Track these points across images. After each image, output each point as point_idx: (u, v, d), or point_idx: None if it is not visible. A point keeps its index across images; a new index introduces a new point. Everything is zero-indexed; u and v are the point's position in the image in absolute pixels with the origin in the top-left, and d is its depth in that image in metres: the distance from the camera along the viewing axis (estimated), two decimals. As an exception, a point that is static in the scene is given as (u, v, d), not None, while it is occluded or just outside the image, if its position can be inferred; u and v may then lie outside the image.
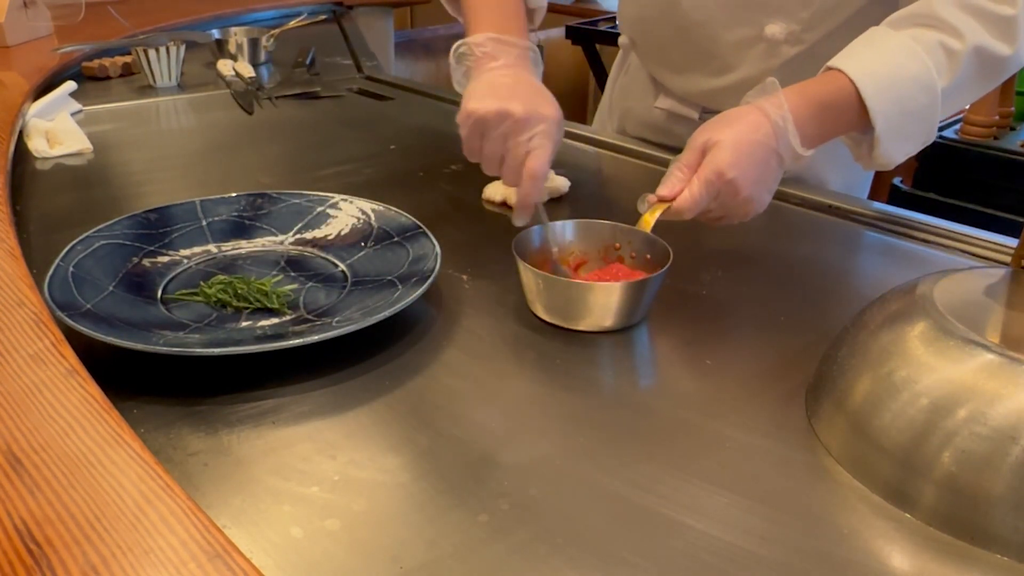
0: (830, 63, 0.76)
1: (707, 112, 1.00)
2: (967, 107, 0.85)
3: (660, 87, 1.06)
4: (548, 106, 0.75)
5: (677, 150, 1.04)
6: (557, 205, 0.91)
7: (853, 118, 0.76)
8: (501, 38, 0.78)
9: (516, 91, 0.75)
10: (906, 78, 0.75)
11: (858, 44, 0.77)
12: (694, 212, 0.72)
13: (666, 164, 1.03)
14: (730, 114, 0.75)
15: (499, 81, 0.76)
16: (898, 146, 0.78)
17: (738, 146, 0.71)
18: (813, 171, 0.99)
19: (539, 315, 0.67)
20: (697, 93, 1.00)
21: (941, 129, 1.57)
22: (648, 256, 0.71)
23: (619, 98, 1.16)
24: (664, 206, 0.72)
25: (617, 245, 0.73)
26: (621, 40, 1.13)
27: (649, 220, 0.71)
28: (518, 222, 0.74)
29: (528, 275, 0.67)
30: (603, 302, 0.65)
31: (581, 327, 0.66)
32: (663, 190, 0.73)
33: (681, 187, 0.72)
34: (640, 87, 1.10)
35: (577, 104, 2.73)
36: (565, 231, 0.75)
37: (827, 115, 0.75)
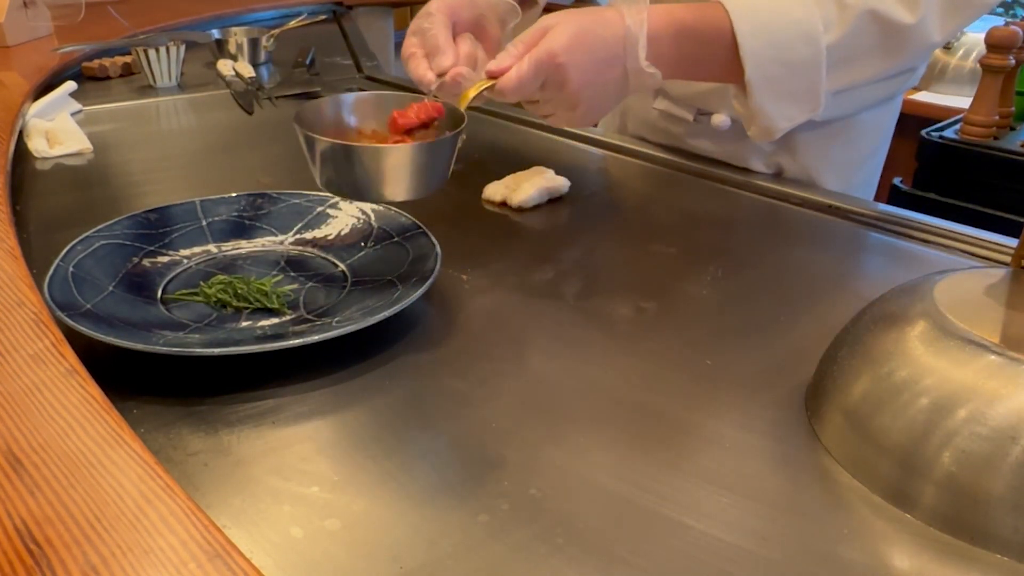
0: None
1: (702, 113, 1.00)
2: (865, 81, 0.76)
3: (658, 89, 1.06)
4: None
5: (675, 150, 1.05)
6: (557, 205, 0.91)
7: (721, 54, 0.71)
8: None
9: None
10: (788, 22, 0.70)
11: None
12: (518, 93, 0.67)
13: (666, 164, 1.04)
14: (586, 7, 0.70)
15: None
16: (777, 105, 0.72)
17: (579, 35, 0.67)
18: (814, 172, 0.99)
19: (322, 188, 0.62)
20: (691, 95, 1.00)
21: (941, 129, 1.57)
22: (448, 132, 0.66)
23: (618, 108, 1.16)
24: (488, 83, 0.67)
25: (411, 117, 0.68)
26: None
27: (468, 95, 0.67)
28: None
29: (305, 143, 0.61)
30: (381, 167, 0.59)
31: (368, 199, 0.61)
32: (491, 65, 0.68)
33: (510, 64, 0.67)
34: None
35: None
36: (357, 104, 0.69)
37: (691, 40, 0.70)
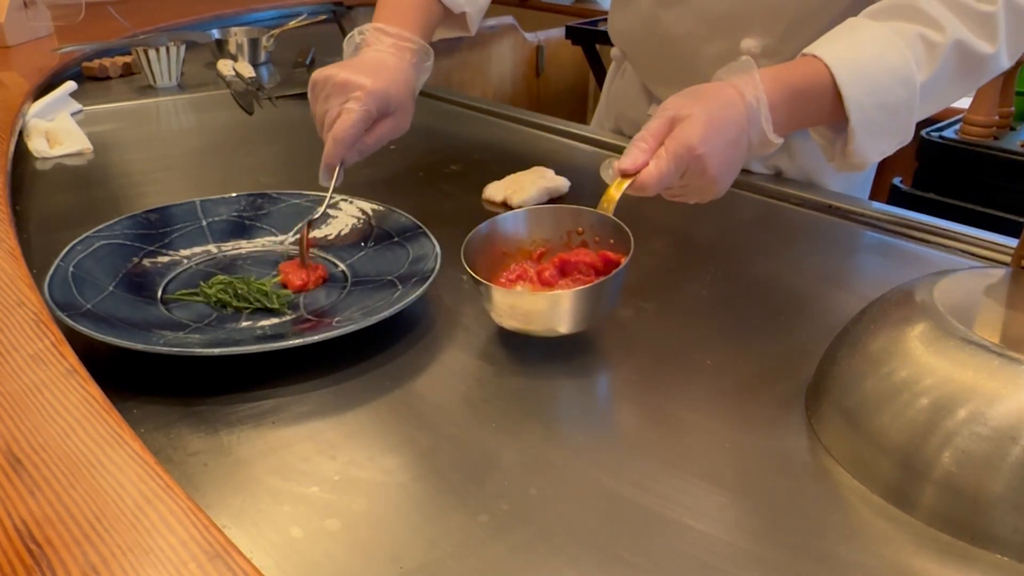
0: (806, 50, 0.73)
1: None
2: (943, 108, 0.81)
3: (652, 96, 1.07)
4: (379, 80, 0.77)
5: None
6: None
7: (826, 106, 0.73)
8: (385, 28, 0.84)
9: (360, 66, 0.78)
10: (884, 68, 0.72)
11: (836, 32, 0.74)
12: (660, 188, 0.68)
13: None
14: (703, 88, 0.71)
15: (358, 59, 0.81)
16: (873, 144, 0.75)
17: (711, 122, 0.68)
18: (812, 173, 0.99)
19: (496, 322, 0.64)
20: None
21: (940, 129, 1.57)
22: (612, 241, 0.66)
23: (614, 102, 1.16)
24: (627, 181, 0.67)
25: (580, 230, 0.69)
26: (613, 52, 1.14)
27: (613, 197, 0.66)
28: (322, 181, 0.77)
29: (473, 284, 0.62)
30: (550, 310, 0.61)
31: (537, 332, 0.62)
32: (626, 162, 0.68)
33: (645, 160, 0.68)
34: (634, 94, 1.11)
35: (577, 104, 2.73)
36: (518, 223, 0.70)
37: (800, 101, 0.72)
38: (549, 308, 0.61)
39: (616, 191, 0.66)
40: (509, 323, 0.62)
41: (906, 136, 0.76)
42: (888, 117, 0.74)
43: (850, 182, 1.01)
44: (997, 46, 0.74)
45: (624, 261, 0.62)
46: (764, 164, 0.99)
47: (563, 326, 0.61)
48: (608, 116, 1.18)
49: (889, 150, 0.77)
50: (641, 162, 0.68)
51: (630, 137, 1.11)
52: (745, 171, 0.99)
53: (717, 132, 0.68)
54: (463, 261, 0.62)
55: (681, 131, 0.67)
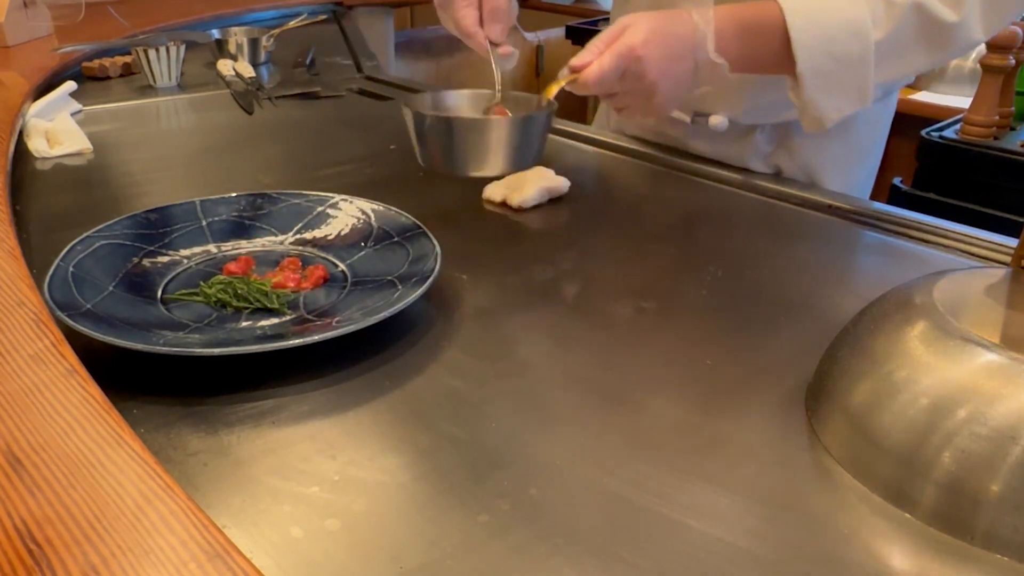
0: None
1: (699, 115, 1.00)
2: (907, 76, 0.83)
3: None
4: None
5: (675, 151, 1.05)
6: (557, 205, 0.91)
7: (777, 47, 0.77)
8: None
9: None
10: (838, 19, 0.75)
11: None
12: (600, 85, 0.74)
13: (666, 164, 1.04)
14: (659, 8, 0.78)
15: None
16: (827, 98, 0.78)
17: (655, 31, 0.74)
18: (812, 171, 0.99)
19: (423, 164, 0.71)
20: (687, 97, 1.00)
21: (940, 129, 1.57)
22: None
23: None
24: (571, 77, 0.74)
25: (507, 111, 0.78)
26: None
27: (552, 89, 0.74)
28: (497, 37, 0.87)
29: (411, 119, 0.70)
30: (483, 139, 0.68)
31: (466, 173, 0.69)
32: (575, 61, 0.75)
33: (592, 59, 0.74)
34: None
35: (577, 104, 2.73)
36: (452, 99, 0.79)
37: (749, 37, 0.77)
38: (484, 135, 0.68)
39: (556, 86, 0.75)
40: (439, 165, 0.71)
41: (864, 97, 0.79)
42: (842, 70, 0.77)
43: (850, 182, 1.01)
44: (961, 15, 0.75)
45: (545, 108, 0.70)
46: (765, 163, 0.99)
47: (494, 160, 0.69)
48: (611, 116, 1.18)
49: (847, 108, 0.80)
50: (587, 61, 0.75)
51: (632, 137, 1.12)
52: (745, 170, 0.99)
53: (661, 42, 0.74)
54: (403, 105, 0.71)
55: (625, 36, 0.74)
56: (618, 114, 0.80)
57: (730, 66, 0.77)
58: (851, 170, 1.01)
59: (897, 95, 1.06)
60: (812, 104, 0.79)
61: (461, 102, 0.81)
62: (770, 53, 0.77)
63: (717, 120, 0.98)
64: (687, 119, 1.02)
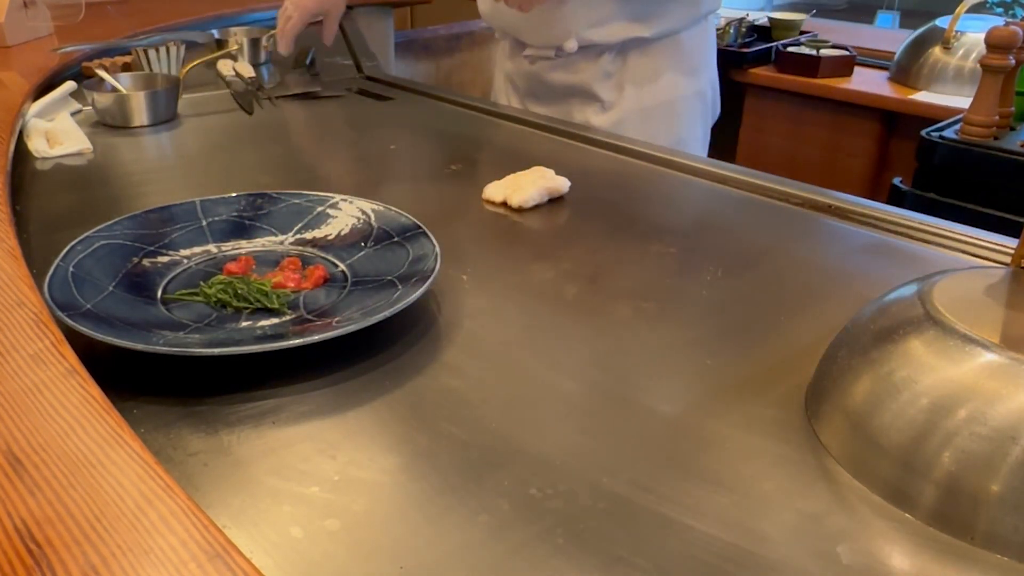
0: None
1: (559, 50, 1.23)
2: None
3: (523, 45, 1.29)
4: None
5: (674, 151, 1.05)
6: (557, 205, 0.91)
7: None
8: None
9: None
10: None
11: None
12: None
13: (666, 164, 1.04)
14: None
15: None
16: None
17: None
18: (648, 84, 1.24)
19: None
20: (546, 37, 1.24)
21: (941, 129, 1.57)
22: None
23: (500, 69, 1.41)
24: None
25: None
26: (496, 34, 1.39)
27: None
28: (281, 50, 1.39)
29: None
30: None
31: None
32: None
33: None
34: (509, 53, 1.35)
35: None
36: None
37: None
38: None
39: None
40: None
41: None
42: None
43: (683, 95, 1.28)
44: None
45: None
46: (613, 85, 1.26)
47: None
48: (500, 87, 1.40)
49: None
50: None
51: (515, 88, 1.38)
52: (744, 170, 0.99)
53: None
54: None
55: None
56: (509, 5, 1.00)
57: None
58: (682, 84, 1.26)
59: (713, 23, 1.33)
60: None
61: None
62: None
63: (570, 44, 1.22)
64: (551, 54, 1.24)
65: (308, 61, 1.53)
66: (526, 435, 0.54)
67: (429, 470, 0.51)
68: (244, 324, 0.65)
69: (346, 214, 0.79)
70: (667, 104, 1.26)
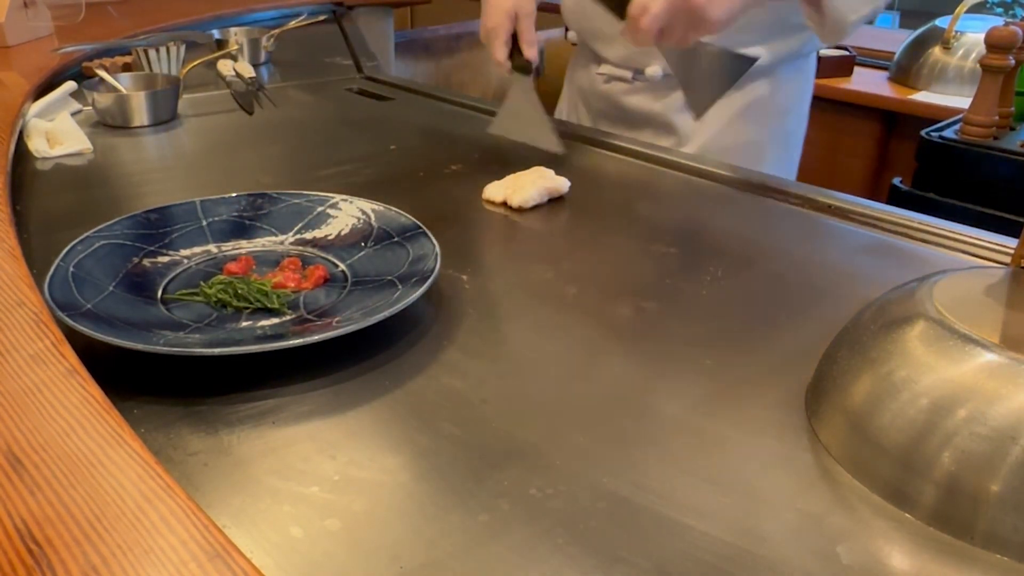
0: None
1: (638, 72, 1.13)
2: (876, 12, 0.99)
3: (600, 59, 1.18)
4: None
5: (674, 151, 1.05)
6: (557, 205, 0.91)
7: None
8: None
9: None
10: None
11: None
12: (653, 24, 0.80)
13: (666, 164, 1.04)
14: None
15: None
16: (848, 2, 0.90)
17: None
18: (732, 122, 1.11)
19: None
20: (627, 57, 1.13)
21: (940, 129, 1.57)
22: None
23: (571, 80, 1.30)
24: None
25: None
26: (570, 36, 1.30)
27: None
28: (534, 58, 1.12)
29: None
30: None
31: None
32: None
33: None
34: (584, 64, 1.23)
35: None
36: None
37: None
38: None
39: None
40: None
41: (878, 2, 0.93)
42: None
43: (771, 134, 1.14)
44: None
45: None
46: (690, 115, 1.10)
47: None
48: (569, 101, 1.28)
49: (866, 11, 0.92)
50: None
51: (584, 105, 1.26)
52: (744, 170, 0.99)
53: None
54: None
55: None
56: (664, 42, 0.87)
57: None
58: (772, 124, 1.14)
59: (815, 59, 1.18)
60: (834, 9, 0.88)
61: None
62: None
63: (653, 70, 1.11)
64: (628, 76, 1.14)
65: (308, 61, 1.53)
66: (526, 435, 0.54)
67: (429, 470, 0.51)
68: (244, 324, 0.65)
69: (346, 214, 0.79)
70: (752, 145, 1.12)
